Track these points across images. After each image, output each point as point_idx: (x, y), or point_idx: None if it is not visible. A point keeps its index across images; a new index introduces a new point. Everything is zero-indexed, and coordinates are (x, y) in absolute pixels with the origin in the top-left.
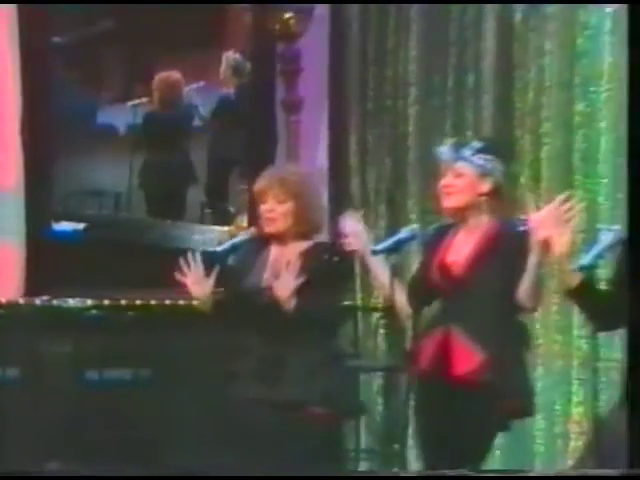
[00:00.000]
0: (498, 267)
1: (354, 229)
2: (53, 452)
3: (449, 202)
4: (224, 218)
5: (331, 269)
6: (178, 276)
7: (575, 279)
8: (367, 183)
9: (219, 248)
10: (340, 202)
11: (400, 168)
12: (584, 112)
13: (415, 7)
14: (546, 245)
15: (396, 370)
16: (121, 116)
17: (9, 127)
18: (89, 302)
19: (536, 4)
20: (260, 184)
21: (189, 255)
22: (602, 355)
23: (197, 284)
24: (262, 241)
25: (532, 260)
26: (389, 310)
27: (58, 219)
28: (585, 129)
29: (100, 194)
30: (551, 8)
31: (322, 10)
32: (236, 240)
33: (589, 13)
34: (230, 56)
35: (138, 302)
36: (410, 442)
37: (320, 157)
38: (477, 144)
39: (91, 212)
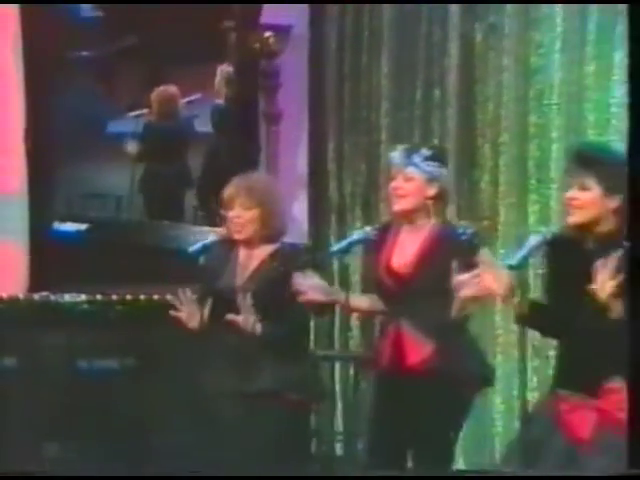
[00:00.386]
0: (442, 265)
1: (310, 283)
2: (49, 434)
3: (399, 204)
4: (217, 220)
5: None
6: (172, 313)
7: (524, 306)
8: (344, 187)
9: (190, 249)
10: (319, 205)
11: (374, 174)
12: (538, 123)
13: (387, 27)
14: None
15: (360, 361)
16: (123, 125)
17: (13, 135)
18: (83, 297)
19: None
20: (228, 192)
21: (180, 292)
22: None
23: (191, 318)
24: (231, 243)
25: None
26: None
27: (60, 220)
28: (539, 139)
29: (102, 197)
30: (507, 29)
31: (301, 30)
32: (206, 241)
33: (542, 33)
34: (224, 69)
35: (128, 297)
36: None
37: (300, 163)
38: (426, 151)
39: (93, 214)
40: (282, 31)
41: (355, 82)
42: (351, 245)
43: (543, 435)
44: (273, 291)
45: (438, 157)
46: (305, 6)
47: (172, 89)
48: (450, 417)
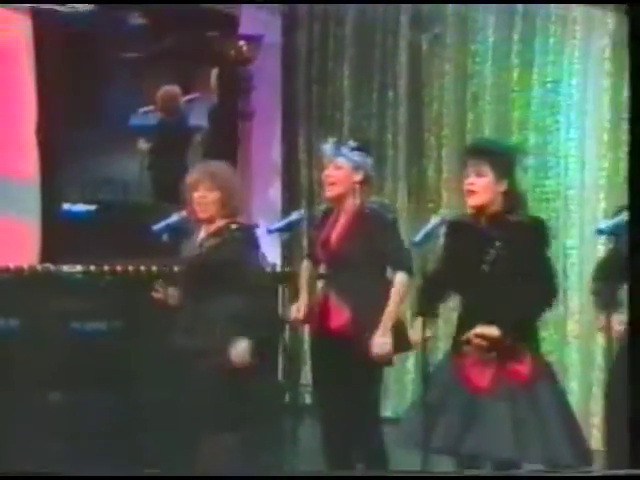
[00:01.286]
0: (364, 240)
1: None
2: (48, 383)
3: (331, 190)
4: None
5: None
6: (155, 295)
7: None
8: (313, 175)
9: (154, 227)
10: (291, 190)
11: None
12: (473, 120)
13: (348, 37)
14: None
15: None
16: (133, 119)
17: (27, 128)
18: (78, 268)
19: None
20: (192, 176)
21: (160, 281)
22: None
23: (171, 298)
24: (195, 221)
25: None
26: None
27: (71, 202)
28: (474, 133)
29: (111, 182)
30: (449, 38)
31: (274, 38)
32: (169, 221)
33: (477, 43)
34: (215, 72)
35: (118, 268)
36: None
37: (274, 154)
38: (352, 143)
39: (102, 197)
40: (254, 40)
41: (322, 84)
42: (289, 225)
43: (447, 387)
44: (219, 257)
45: (363, 148)
46: (279, 17)
47: (175, 89)
48: (370, 371)
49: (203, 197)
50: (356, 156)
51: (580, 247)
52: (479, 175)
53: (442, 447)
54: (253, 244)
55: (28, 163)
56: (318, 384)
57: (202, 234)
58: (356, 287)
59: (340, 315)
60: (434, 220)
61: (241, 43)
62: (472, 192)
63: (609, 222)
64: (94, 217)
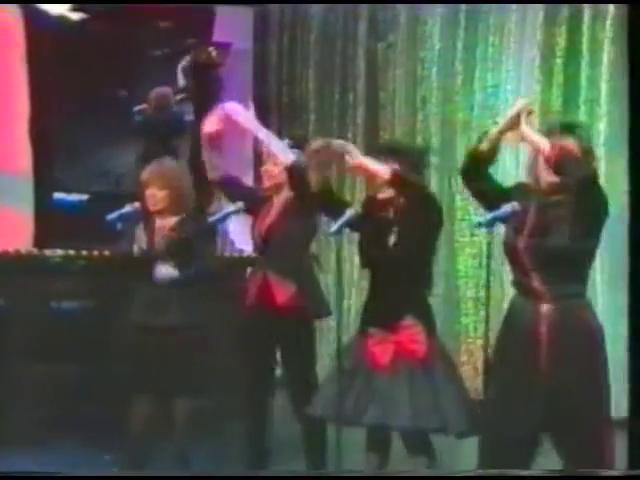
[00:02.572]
0: (295, 223)
1: (235, 109)
2: (32, 355)
3: (269, 182)
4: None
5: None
6: None
7: None
8: None
9: (108, 217)
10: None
11: None
12: (423, 121)
13: (313, 44)
14: None
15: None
16: (128, 117)
17: (20, 122)
18: (59, 252)
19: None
20: (145, 175)
21: None
22: None
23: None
24: (148, 214)
25: None
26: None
27: (63, 191)
28: (423, 133)
29: (105, 174)
30: (400, 46)
31: (246, 44)
32: (123, 211)
33: (425, 51)
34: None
35: (94, 253)
36: None
37: (247, 150)
38: (289, 141)
39: (95, 188)
40: (223, 47)
41: (291, 87)
42: (226, 216)
43: (354, 364)
44: (179, 249)
45: (299, 145)
46: (250, 25)
47: (166, 89)
48: (307, 343)
49: (153, 195)
50: (291, 153)
51: None
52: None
53: (350, 418)
54: (210, 235)
55: (21, 156)
56: (251, 356)
57: (157, 225)
58: (294, 265)
59: (284, 291)
60: (348, 212)
61: (211, 49)
62: (384, 185)
63: (487, 215)
64: (86, 207)
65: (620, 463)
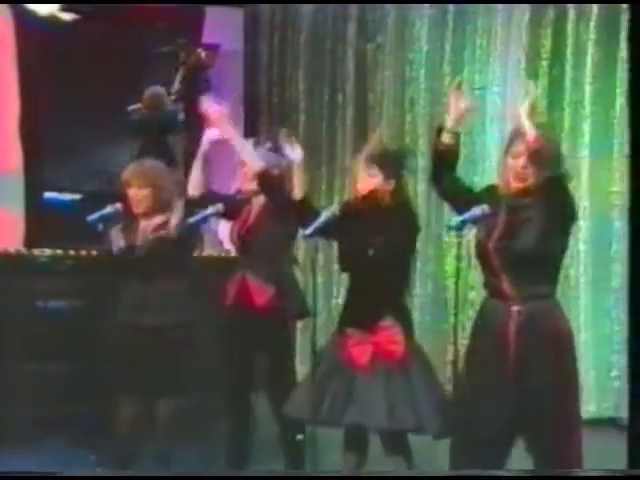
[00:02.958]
0: (273, 226)
1: (213, 109)
2: (17, 354)
3: (250, 185)
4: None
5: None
6: None
7: None
8: None
9: (89, 217)
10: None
11: None
12: (411, 122)
13: (303, 45)
14: None
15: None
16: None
17: (11, 125)
18: (47, 252)
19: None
20: (126, 175)
21: None
22: None
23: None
24: (133, 214)
25: None
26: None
27: (55, 191)
28: (411, 134)
29: (99, 173)
30: (388, 48)
31: (237, 45)
32: (103, 212)
33: (413, 52)
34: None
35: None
36: None
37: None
38: (268, 144)
39: (88, 187)
40: (212, 48)
41: (281, 87)
42: (204, 218)
43: (332, 364)
44: (164, 249)
45: (277, 149)
46: (241, 27)
47: (160, 89)
48: (285, 344)
49: (135, 194)
50: (270, 156)
51: None
52: (370, 176)
53: (327, 419)
54: (191, 235)
55: (11, 156)
56: (231, 359)
57: (141, 225)
58: (273, 267)
59: (263, 293)
60: (324, 215)
61: (200, 50)
62: (365, 190)
63: (457, 218)
64: (78, 206)
65: (620, 463)
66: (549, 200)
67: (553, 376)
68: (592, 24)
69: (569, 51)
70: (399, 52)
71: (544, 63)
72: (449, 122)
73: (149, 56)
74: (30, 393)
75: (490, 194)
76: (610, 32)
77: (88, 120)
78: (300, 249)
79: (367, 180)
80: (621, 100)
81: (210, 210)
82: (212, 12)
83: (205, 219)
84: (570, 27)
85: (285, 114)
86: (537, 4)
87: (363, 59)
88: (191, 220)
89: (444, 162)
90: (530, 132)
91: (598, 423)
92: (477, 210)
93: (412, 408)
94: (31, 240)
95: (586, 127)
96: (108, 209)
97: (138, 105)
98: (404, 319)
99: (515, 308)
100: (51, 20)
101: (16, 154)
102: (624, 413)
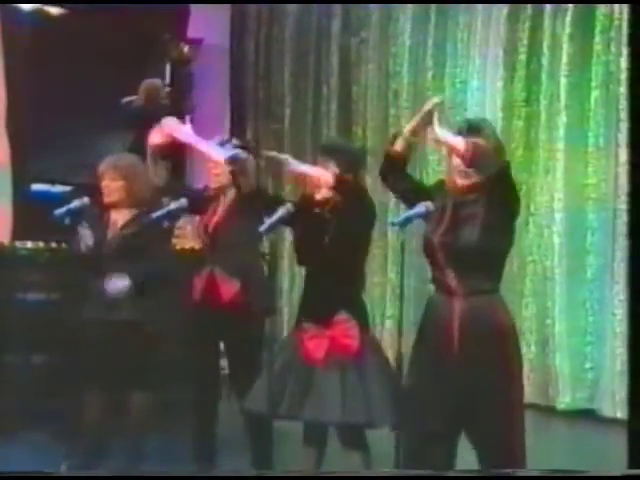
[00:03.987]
0: (240, 222)
1: (173, 126)
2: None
3: (215, 181)
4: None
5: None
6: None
7: None
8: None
9: (56, 211)
10: None
11: (281, 149)
12: (394, 115)
13: (288, 40)
14: None
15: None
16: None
17: None
18: (29, 244)
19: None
20: (100, 167)
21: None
22: None
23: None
24: (103, 207)
25: None
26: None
27: (44, 183)
28: (395, 127)
29: (89, 166)
30: (372, 42)
31: (222, 39)
32: (71, 206)
33: (397, 47)
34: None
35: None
36: None
37: None
38: (235, 142)
39: (78, 180)
40: (195, 43)
41: (267, 81)
42: (169, 212)
43: (289, 358)
44: (134, 242)
45: (242, 146)
46: (227, 21)
47: (156, 81)
48: (252, 339)
49: (107, 186)
50: (235, 152)
51: None
52: (326, 170)
53: (286, 413)
54: (160, 232)
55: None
56: (210, 352)
57: (114, 220)
58: (240, 262)
59: (230, 288)
60: (280, 211)
61: (183, 45)
62: (319, 186)
63: (401, 215)
64: (67, 198)
65: (620, 463)
66: (491, 197)
67: (495, 371)
68: (568, 19)
69: (545, 45)
70: (383, 46)
71: (522, 57)
72: (407, 131)
73: (135, 50)
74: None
75: (438, 189)
76: (585, 27)
77: (76, 113)
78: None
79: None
80: (596, 94)
81: (173, 205)
82: (199, 8)
83: (169, 214)
84: (547, 22)
85: (271, 108)
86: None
87: (347, 53)
88: (154, 215)
89: (394, 165)
90: (457, 144)
91: (572, 414)
92: (421, 207)
93: (365, 402)
94: (19, 233)
95: (561, 120)
96: (75, 203)
97: (134, 97)
98: (359, 313)
99: (458, 303)
100: (37, 14)
101: (3, 148)
102: (598, 404)
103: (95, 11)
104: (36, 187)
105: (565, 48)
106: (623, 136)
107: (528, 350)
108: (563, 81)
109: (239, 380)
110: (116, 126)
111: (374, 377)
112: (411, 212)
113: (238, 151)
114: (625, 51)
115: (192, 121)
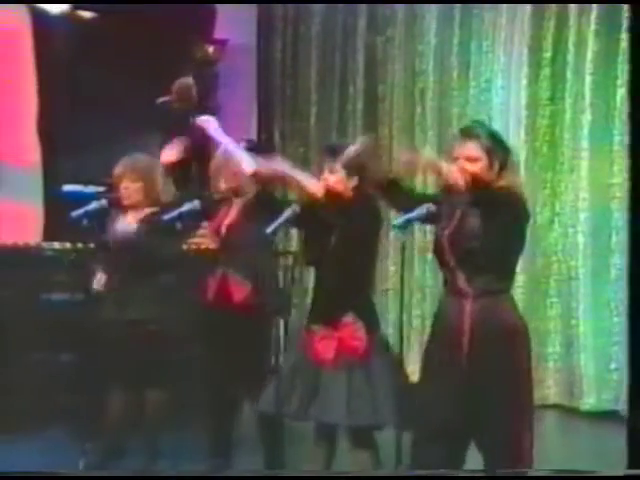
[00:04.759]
0: (253, 226)
1: (208, 124)
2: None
3: (227, 184)
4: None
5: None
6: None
7: None
8: (286, 159)
9: (73, 213)
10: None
11: (308, 145)
12: (421, 114)
13: (315, 39)
14: None
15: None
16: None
17: (29, 121)
18: (56, 245)
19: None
20: (117, 169)
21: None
22: None
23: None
24: (122, 208)
25: None
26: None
27: (77, 184)
28: (420, 125)
29: None
30: (398, 40)
31: (249, 39)
32: (88, 208)
33: (423, 45)
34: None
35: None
36: None
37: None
38: (245, 144)
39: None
40: (219, 44)
41: (294, 80)
42: (181, 215)
43: (299, 359)
44: (150, 241)
45: (254, 149)
46: (254, 21)
47: (189, 80)
48: (263, 340)
49: (126, 188)
50: (254, 163)
51: None
52: (332, 172)
53: (294, 414)
54: (168, 231)
55: (30, 151)
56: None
57: (129, 220)
58: (252, 264)
59: (241, 290)
60: (286, 213)
61: (207, 46)
62: (328, 187)
63: (401, 218)
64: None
65: (620, 463)
66: (493, 208)
67: (503, 372)
68: (593, 16)
69: (571, 42)
70: (408, 45)
71: (546, 55)
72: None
73: (164, 52)
74: (33, 384)
75: (446, 190)
76: (611, 24)
77: (107, 114)
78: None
79: (328, 176)
80: (621, 91)
81: (186, 207)
82: (225, 7)
83: (180, 216)
84: (572, 19)
85: (297, 107)
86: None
87: (373, 52)
88: (166, 217)
89: (390, 189)
90: (449, 174)
91: (597, 415)
92: (422, 209)
93: (372, 404)
94: (50, 233)
95: (586, 118)
96: (93, 205)
97: (167, 97)
98: (367, 315)
99: (468, 304)
100: (68, 17)
101: (34, 149)
102: (623, 406)
103: (125, 12)
104: (68, 188)
105: (590, 45)
106: None
107: (553, 350)
108: (588, 79)
109: (249, 381)
110: (147, 126)
111: (382, 379)
112: (412, 214)
113: (252, 154)
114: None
115: (218, 120)
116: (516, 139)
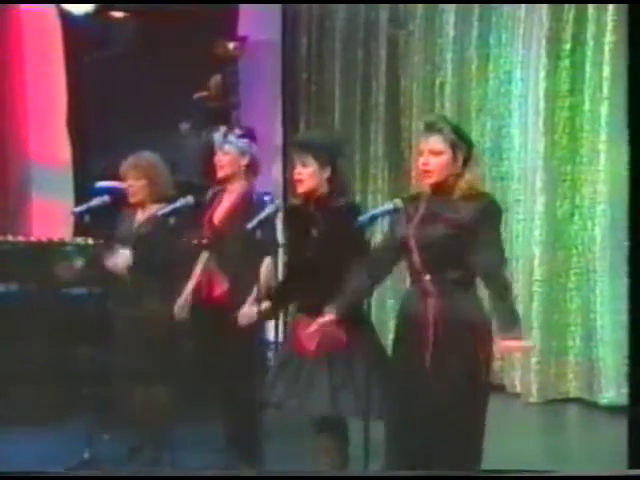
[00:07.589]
0: (244, 218)
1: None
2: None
3: (220, 172)
4: None
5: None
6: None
7: None
8: None
9: (76, 209)
10: (292, 169)
11: None
12: (440, 107)
13: (338, 35)
14: None
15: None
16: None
17: (59, 119)
18: (79, 240)
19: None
20: (122, 168)
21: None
22: None
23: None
24: (131, 206)
25: None
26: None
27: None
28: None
29: None
30: (418, 34)
31: (274, 36)
32: (90, 204)
33: (442, 38)
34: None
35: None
36: None
37: (276, 137)
38: (238, 131)
39: None
40: (240, 41)
41: (319, 76)
42: (174, 209)
43: (287, 350)
44: (158, 236)
45: (248, 135)
46: (278, 17)
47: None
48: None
49: (131, 186)
50: (241, 143)
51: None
52: (304, 165)
53: (278, 403)
54: (181, 225)
55: (61, 149)
56: (199, 349)
57: (138, 217)
58: (235, 261)
59: (220, 285)
60: (267, 209)
61: (228, 43)
62: (299, 180)
63: (366, 214)
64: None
65: (620, 463)
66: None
67: (460, 369)
68: (611, 8)
69: (589, 34)
70: (428, 38)
71: (565, 47)
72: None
73: (191, 49)
74: (49, 373)
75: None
76: (630, 15)
77: (138, 111)
78: None
79: (301, 169)
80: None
81: (179, 202)
82: (250, 5)
83: (174, 211)
84: (591, 10)
85: (322, 102)
86: None
87: (395, 46)
88: (160, 212)
89: None
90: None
91: (616, 410)
92: (389, 204)
93: (353, 395)
94: (81, 229)
95: (603, 110)
96: (95, 201)
97: (204, 93)
98: (350, 305)
99: (432, 300)
100: (97, 16)
101: (65, 147)
102: None
103: (153, 11)
104: (101, 184)
105: (608, 37)
106: None
107: (573, 344)
108: (606, 70)
109: (236, 374)
110: (173, 122)
111: (363, 369)
112: (377, 210)
113: (245, 148)
114: None
115: (240, 117)
116: (535, 131)
